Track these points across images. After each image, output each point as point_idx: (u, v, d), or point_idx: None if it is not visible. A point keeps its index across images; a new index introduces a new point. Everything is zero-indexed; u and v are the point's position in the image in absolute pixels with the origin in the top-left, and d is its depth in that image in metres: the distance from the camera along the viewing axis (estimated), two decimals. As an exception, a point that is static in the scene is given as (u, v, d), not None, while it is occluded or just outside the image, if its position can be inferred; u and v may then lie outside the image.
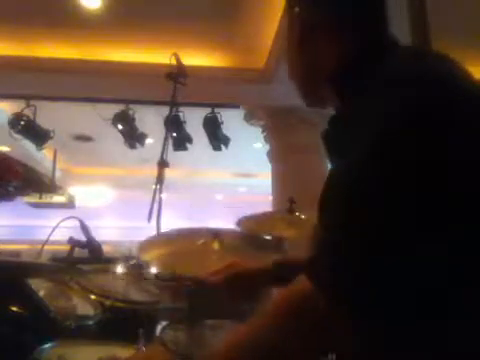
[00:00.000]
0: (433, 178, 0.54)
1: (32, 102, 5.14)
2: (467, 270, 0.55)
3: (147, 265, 1.65)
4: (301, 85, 0.84)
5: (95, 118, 5.39)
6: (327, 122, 0.79)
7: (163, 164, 2.01)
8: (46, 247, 1.72)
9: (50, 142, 5.46)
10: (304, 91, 0.85)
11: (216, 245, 1.36)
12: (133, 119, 5.19)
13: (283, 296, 0.63)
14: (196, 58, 4.48)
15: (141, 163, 7.36)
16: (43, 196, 7.14)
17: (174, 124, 4.80)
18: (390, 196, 0.54)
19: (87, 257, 1.75)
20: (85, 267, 1.69)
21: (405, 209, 0.54)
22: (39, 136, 5.29)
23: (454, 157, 0.54)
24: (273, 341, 0.59)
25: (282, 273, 1.01)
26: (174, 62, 2.03)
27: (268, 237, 1.67)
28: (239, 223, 1.72)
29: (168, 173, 2.04)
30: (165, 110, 2.79)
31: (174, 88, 1.99)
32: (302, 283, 0.58)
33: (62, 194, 8.21)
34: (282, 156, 5.40)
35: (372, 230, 0.55)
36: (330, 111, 0.82)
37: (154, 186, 1.96)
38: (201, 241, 1.38)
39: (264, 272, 1.09)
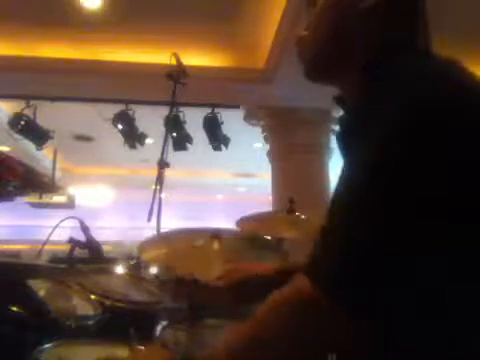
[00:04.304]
0: (435, 179, 0.54)
1: (32, 102, 5.14)
2: (468, 270, 0.55)
3: (147, 265, 1.65)
4: (319, 58, 0.80)
5: (95, 118, 5.39)
6: (339, 121, 0.78)
7: (163, 164, 2.01)
8: (46, 247, 1.72)
9: (50, 142, 5.46)
10: (318, 64, 0.80)
11: (216, 245, 1.36)
12: (133, 119, 5.19)
13: (282, 295, 0.63)
14: (196, 58, 4.48)
15: (141, 163, 7.36)
16: (43, 196, 7.14)
17: (174, 124, 4.81)
18: (392, 197, 0.55)
19: (87, 257, 1.75)
20: (85, 267, 1.69)
21: (406, 210, 0.54)
22: (39, 136, 5.29)
23: (456, 157, 0.55)
24: (272, 340, 0.60)
25: (286, 280, 1.02)
26: (174, 62, 2.03)
27: (268, 237, 1.67)
28: (239, 223, 1.72)
29: (168, 173, 2.04)
30: (165, 110, 2.79)
31: (174, 88, 1.99)
32: (301, 282, 0.59)
33: (62, 194, 8.21)
34: (282, 156, 5.40)
35: (374, 231, 0.55)
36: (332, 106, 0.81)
37: (154, 186, 1.96)
38: (201, 241, 1.38)
39: (269, 277, 1.08)
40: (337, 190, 0.63)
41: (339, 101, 0.81)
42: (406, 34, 0.75)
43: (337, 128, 0.78)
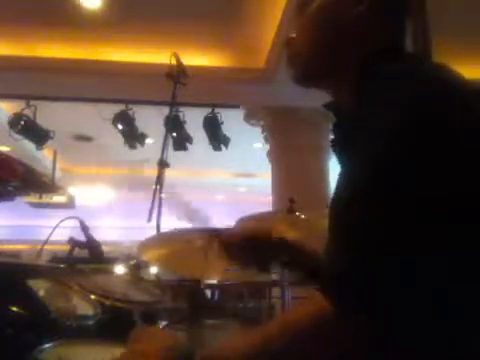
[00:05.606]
0: (435, 179, 0.54)
1: (32, 102, 5.14)
2: (468, 270, 0.55)
3: (147, 265, 1.65)
4: (311, 60, 0.78)
5: (95, 118, 5.39)
6: (333, 126, 0.78)
7: (163, 164, 2.01)
8: (46, 247, 1.72)
9: (50, 142, 5.46)
10: (310, 66, 0.79)
11: (216, 245, 1.36)
12: (133, 119, 5.19)
13: (299, 308, 0.64)
14: (196, 58, 4.48)
15: (141, 163, 7.36)
16: (43, 196, 7.14)
17: (174, 124, 4.81)
18: (393, 197, 0.55)
19: (87, 257, 1.74)
20: (85, 267, 1.69)
21: (407, 210, 0.54)
22: (39, 136, 5.29)
23: (456, 157, 0.55)
24: (285, 348, 0.59)
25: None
26: (174, 62, 2.02)
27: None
28: (239, 223, 1.72)
29: (168, 173, 2.04)
30: (165, 110, 2.79)
31: (174, 88, 1.99)
32: (317, 296, 0.58)
33: (62, 194, 8.22)
34: (282, 156, 5.40)
35: (375, 231, 0.55)
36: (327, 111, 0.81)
37: (154, 186, 1.96)
38: (201, 241, 1.38)
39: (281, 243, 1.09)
40: (337, 191, 0.63)
41: (330, 107, 0.81)
42: (400, 36, 0.75)
43: (332, 136, 0.78)
